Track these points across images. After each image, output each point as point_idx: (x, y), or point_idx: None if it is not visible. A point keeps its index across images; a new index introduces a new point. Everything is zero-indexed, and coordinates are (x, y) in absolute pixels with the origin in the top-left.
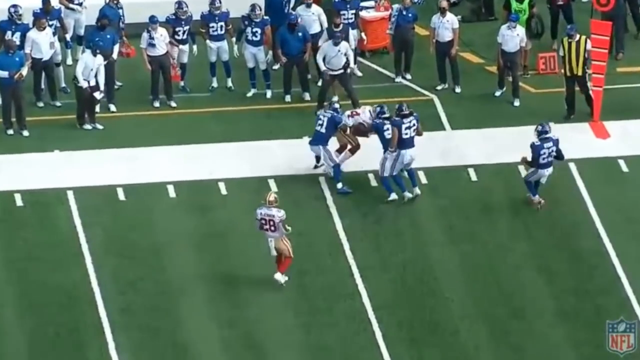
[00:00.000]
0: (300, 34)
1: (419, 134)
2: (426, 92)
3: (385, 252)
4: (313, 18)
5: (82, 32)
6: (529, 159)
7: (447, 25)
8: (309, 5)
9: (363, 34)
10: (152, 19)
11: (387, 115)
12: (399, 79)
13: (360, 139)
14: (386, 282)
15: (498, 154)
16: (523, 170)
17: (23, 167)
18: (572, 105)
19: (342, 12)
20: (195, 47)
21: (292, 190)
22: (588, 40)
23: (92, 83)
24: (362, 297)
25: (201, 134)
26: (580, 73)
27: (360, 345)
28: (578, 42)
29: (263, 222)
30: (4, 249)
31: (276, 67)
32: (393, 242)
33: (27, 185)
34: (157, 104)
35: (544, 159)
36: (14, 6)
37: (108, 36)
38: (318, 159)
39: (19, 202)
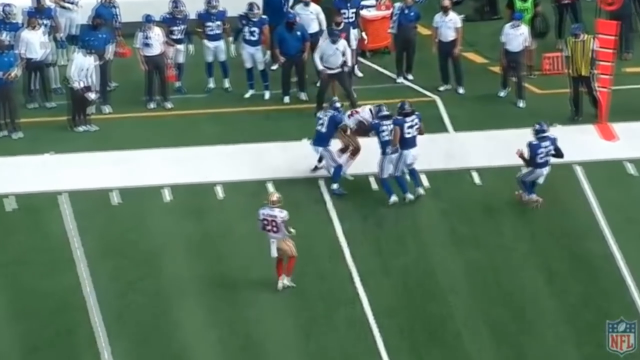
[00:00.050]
0: (299, 33)
1: (420, 133)
2: (428, 93)
3: (386, 256)
4: (311, 17)
5: (75, 31)
6: (526, 155)
7: (449, 24)
8: (307, 4)
9: (364, 34)
10: (148, 18)
11: (385, 114)
12: (400, 80)
13: (361, 141)
14: (387, 287)
15: (502, 157)
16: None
17: (15, 170)
18: (578, 107)
19: (342, 11)
20: (191, 47)
21: (291, 193)
22: (594, 40)
23: (85, 84)
24: (362, 302)
25: (197, 136)
26: (586, 74)
27: (360, 352)
28: (584, 41)
29: (265, 222)
30: None
31: (274, 67)
32: (394, 246)
33: (19, 188)
34: (152, 105)
35: (541, 158)
36: (6, 5)
37: (102, 36)
38: (321, 159)
39: (10, 205)
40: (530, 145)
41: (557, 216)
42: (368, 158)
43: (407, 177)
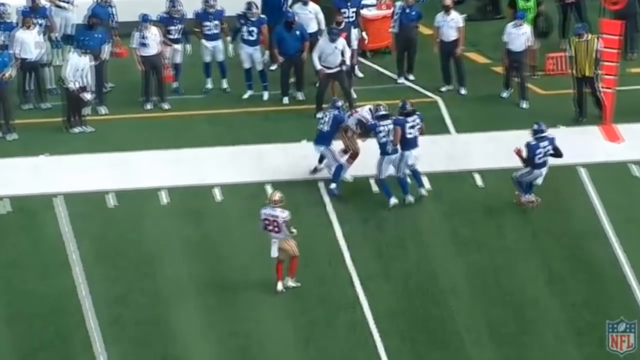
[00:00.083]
0: (298, 32)
1: (422, 133)
2: (430, 94)
3: (387, 259)
4: (310, 16)
5: (70, 31)
6: (524, 154)
7: (451, 24)
8: (305, 3)
9: (364, 33)
10: (144, 18)
11: (382, 113)
12: (401, 80)
13: (361, 143)
14: (388, 290)
15: (504, 158)
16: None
17: (9, 172)
18: (581, 108)
19: (342, 10)
20: (189, 47)
21: (290, 195)
22: (598, 40)
23: (81, 84)
24: (363, 306)
25: (195, 137)
26: (589, 74)
27: (361, 356)
28: (587, 41)
29: (267, 222)
30: None
31: (273, 67)
32: (395, 250)
33: (13, 190)
34: (149, 106)
35: (539, 158)
36: (0, 4)
37: (98, 35)
38: (321, 159)
39: (5, 208)
40: (528, 145)
41: (560, 219)
42: (368, 160)
43: (408, 179)
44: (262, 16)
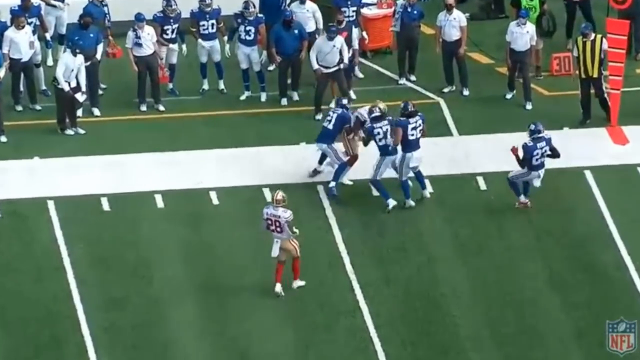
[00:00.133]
0: (296, 31)
1: (423, 135)
2: (432, 95)
3: (388, 265)
4: (307, 15)
5: (63, 30)
6: (521, 155)
7: (454, 23)
8: (302, 2)
9: (364, 33)
10: (139, 17)
11: (376, 115)
12: (402, 81)
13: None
14: (389, 297)
15: (508, 161)
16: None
17: (0, 175)
18: (587, 109)
19: (342, 9)
20: (184, 47)
21: (288, 199)
22: (604, 40)
23: (73, 84)
24: (363, 312)
25: (191, 139)
26: (595, 75)
27: None
28: (593, 41)
29: (269, 222)
30: None
31: (271, 68)
32: (396, 255)
33: (4, 194)
34: (144, 108)
35: (536, 160)
36: None
37: (91, 35)
38: (321, 160)
39: None
40: (525, 146)
41: (566, 223)
42: (368, 163)
43: (410, 182)
44: (260, 15)
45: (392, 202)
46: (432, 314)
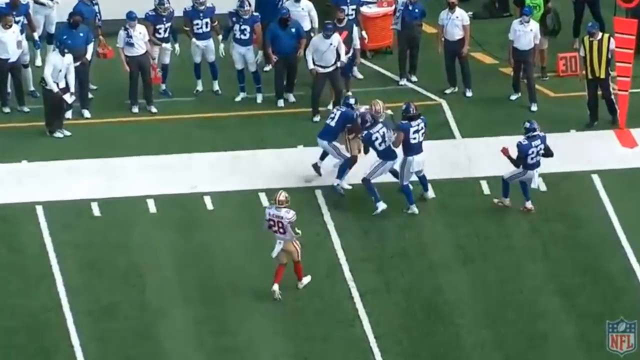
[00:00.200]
0: (293, 30)
1: (425, 137)
2: (433, 96)
3: (388, 273)
4: (302, 14)
5: (52, 29)
6: (512, 154)
7: (456, 22)
8: (297, 0)
9: (364, 32)
10: (130, 15)
11: (369, 124)
12: (403, 82)
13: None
14: (389, 306)
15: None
16: (542, 183)
17: None
18: (594, 111)
19: (342, 8)
20: (177, 47)
21: None
22: (611, 39)
23: (62, 85)
24: (362, 322)
25: (184, 142)
26: (602, 75)
27: None
28: (600, 41)
29: (272, 223)
30: None
31: (267, 68)
32: (397, 262)
33: None
34: (135, 110)
35: (532, 158)
36: None
37: (81, 34)
38: (323, 156)
39: None
40: (520, 145)
41: (572, 229)
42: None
43: (410, 185)
44: (256, 14)
45: (381, 205)
46: (434, 323)
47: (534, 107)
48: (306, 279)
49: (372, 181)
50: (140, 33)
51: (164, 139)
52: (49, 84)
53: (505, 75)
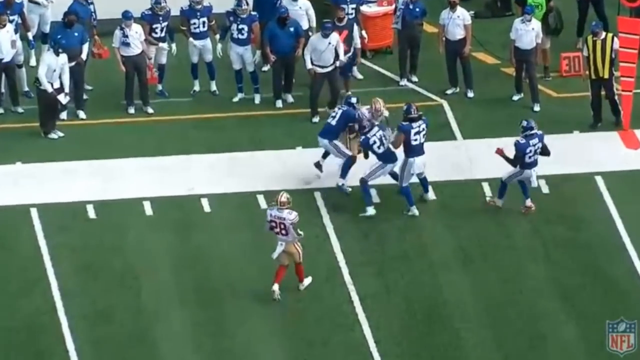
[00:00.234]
0: (291, 29)
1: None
2: (434, 97)
3: (388, 276)
4: (300, 13)
5: (47, 29)
6: (510, 155)
7: (458, 21)
8: None
9: (363, 32)
10: (126, 15)
11: (367, 129)
12: (404, 82)
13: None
14: (389, 310)
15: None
16: (544, 185)
17: None
18: (598, 112)
19: (341, 7)
20: (174, 46)
21: None
22: (615, 39)
23: (57, 85)
24: (362, 326)
25: (181, 143)
26: (606, 75)
27: None
28: (604, 40)
29: (273, 224)
30: None
31: (265, 68)
32: (397, 266)
33: None
34: (132, 110)
35: (530, 157)
36: None
37: (75, 34)
38: (325, 155)
39: None
40: (517, 144)
41: (574, 230)
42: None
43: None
44: (253, 13)
45: (371, 210)
46: (435, 327)
47: (537, 108)
48: (307, 281)
49: (370, 183)
50: (136, 32)
51: (161, 140)
52: (43, 84)
53: (507, 76)
